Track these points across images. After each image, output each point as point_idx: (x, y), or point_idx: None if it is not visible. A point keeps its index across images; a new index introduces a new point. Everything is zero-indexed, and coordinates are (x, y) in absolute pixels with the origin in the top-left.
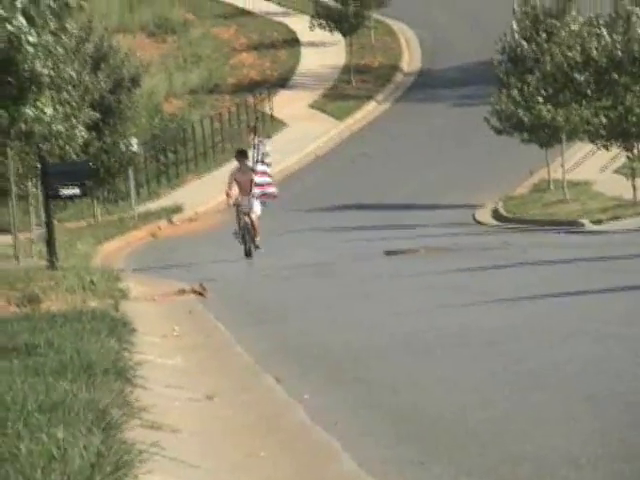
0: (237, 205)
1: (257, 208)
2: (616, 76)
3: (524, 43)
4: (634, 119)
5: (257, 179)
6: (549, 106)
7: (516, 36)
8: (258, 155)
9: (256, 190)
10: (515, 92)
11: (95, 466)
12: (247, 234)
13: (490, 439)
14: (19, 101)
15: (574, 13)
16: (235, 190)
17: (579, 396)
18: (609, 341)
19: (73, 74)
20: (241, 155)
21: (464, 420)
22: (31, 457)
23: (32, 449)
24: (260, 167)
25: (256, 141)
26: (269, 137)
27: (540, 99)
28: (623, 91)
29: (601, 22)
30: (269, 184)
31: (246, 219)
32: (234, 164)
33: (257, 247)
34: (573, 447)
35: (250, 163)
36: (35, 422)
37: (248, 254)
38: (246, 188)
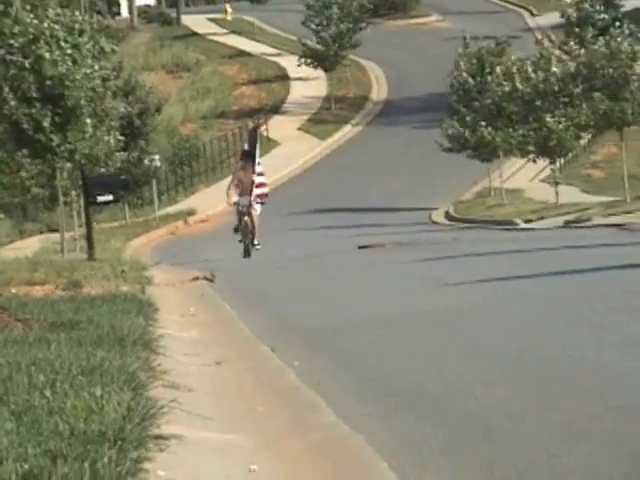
0: (237, 204)
1: (257, 207)
2: (539, 104)
3: (470, 79)
4: (555, 138)
5: (257, 179)
6: (489, 129)
7: (464, 74)
8: (257, 155)
9: (257, 190)
10: (466, 116)
11: (126, 418)
12: (245, 233)
13: (441, 396)
14: (66, 126)
15: (510, 56)
16: (235, 190)
17: (507, 361)
18: (535, 316)
19: (110, 103)
20: (248, 156)
21: (421, 382)
22: (75, 410)
23: (76, 404)
24: (258, 168)
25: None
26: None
27: (483, 123)
28: (545, 116)
29: (528, 62)
30: (263, 184)
31: (246, 218)
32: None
33: (254, 245)
34: (506, 402)
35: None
36: (78, 383)
37: (247, 254)
38: (247, 188)
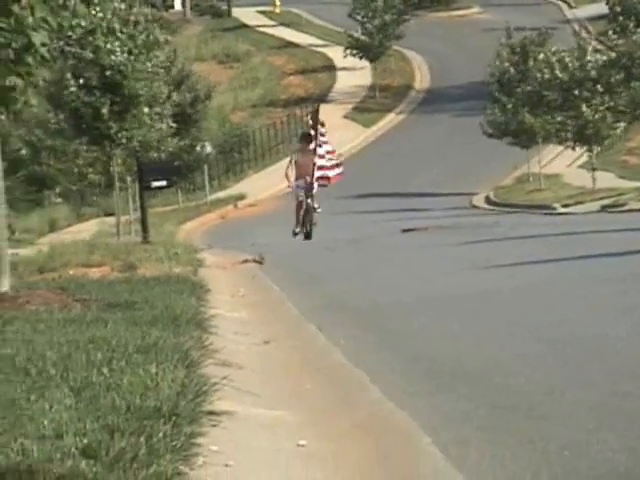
0: (298, 187)
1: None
2: (577, 92)
3: (511, 69)
4: (591, 126)
5: (319, 162)
6: (530, 116)
7: (505, 63)
8: (317, 137)
9: (317, 172)
10: (506, 105)
11: (180, 394)
12: (306, 216)
13: (483, 375)
14: (124, 115)
15: (550, 46)
16: (293, 172)
17: (547, 341)
18: (573, 297)
19: (164, 91)
20: (305, 138)
21: (464, 360)
22: (131, 387)
23: (132, 381)
24: (320, 150)
25: (320, 127)
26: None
27: (525, 109)
28: (582, 104)
29: (566, 53)
30: (325, 167)
31: (308, 201)
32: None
33: (316, 209)
34: (545, 380)
35: (312, 146)
36: (134, 360)
37: (307, 236)
38: (307, 171)
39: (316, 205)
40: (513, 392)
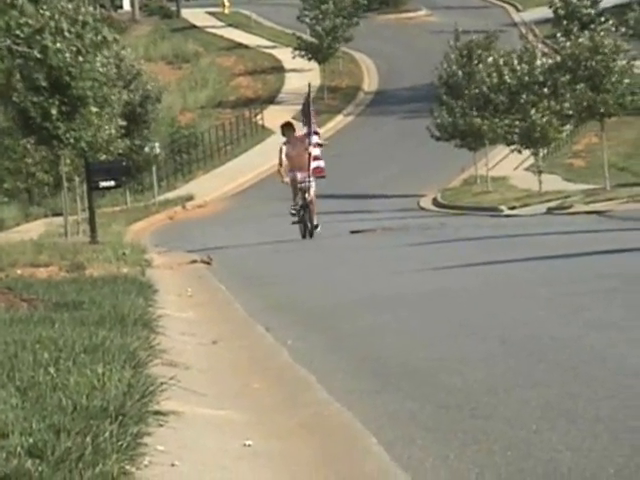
0: (294, 182)
1: (313, 183)
2: (524, 96)
3: (459, 72)
4: (538, 129)
5: (314, 151)
6: (477, 118)
7: (454, 66)
8: (311, 125)
9: (313, 163)
10: (454, 107)
11: (127, 394)
12: (305, 213)
13: (430, 373)
14: (72, 115)
15: (498, 49)
16: (286, 165)
17: (493, 340)
18: (519, 298)
19: (114, 92)
20: (287, 128)
21: (410, 359)
22: (78, 387)
23: (79, 381)
24: (314, 139)
25: (312, 111)
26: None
27: (474, 112)
28: (530, 107)
29: (514, 55)
30: (319, 157)
31: (306, 196)
32: (280, 140)
33: (316, 227)
34: (491, 380)
35: (303, 132)
36: (81, 360)
37: (308, 235)
38: (301, 163)
39: (316, 221)
40: (459, 392)
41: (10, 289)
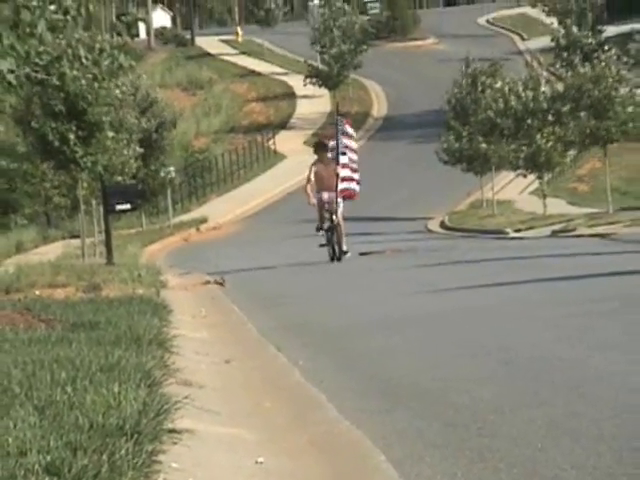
0: (320, 202)
1: (341, 205)
2: (530, 121)
3: (467, 97)
4: (543, 154)
5: (342, 172)
6: (483, 144)
7: (463, 92)
8: (340, 146)
9: (341, 185)
10: (462, 132)
11: (142, 413)
12: (333, 236)
13: (437, 393)
14: (89, 140)
15: (503, 76)
16: (312, 184)
17: (499, 361)
18: (526, 319)
19: (130, 118)
20: (320, 148)
21: (419, 379)
22: (94, 405)
23: (95, 399)
24: (343, 159)
25: (347, 126)
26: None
27: (480, 139)
28: (535, 132)
29: (519, 82)
30: (350, 178)
31: (333, 218)
32: (311, 159)
33: (345, 252)
34: (498, 399)
35: (331, 155)
36: (97, 379)
37: (336, 259)
38: (330, 183)
39: (345, 247)
40: (466, 410)
41: (29, 310)
